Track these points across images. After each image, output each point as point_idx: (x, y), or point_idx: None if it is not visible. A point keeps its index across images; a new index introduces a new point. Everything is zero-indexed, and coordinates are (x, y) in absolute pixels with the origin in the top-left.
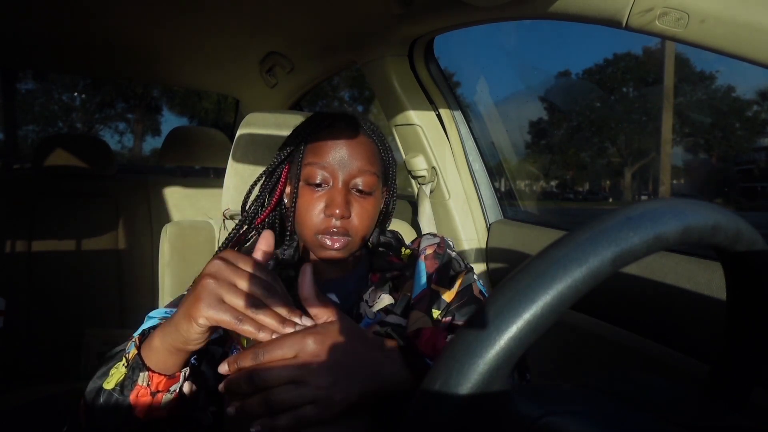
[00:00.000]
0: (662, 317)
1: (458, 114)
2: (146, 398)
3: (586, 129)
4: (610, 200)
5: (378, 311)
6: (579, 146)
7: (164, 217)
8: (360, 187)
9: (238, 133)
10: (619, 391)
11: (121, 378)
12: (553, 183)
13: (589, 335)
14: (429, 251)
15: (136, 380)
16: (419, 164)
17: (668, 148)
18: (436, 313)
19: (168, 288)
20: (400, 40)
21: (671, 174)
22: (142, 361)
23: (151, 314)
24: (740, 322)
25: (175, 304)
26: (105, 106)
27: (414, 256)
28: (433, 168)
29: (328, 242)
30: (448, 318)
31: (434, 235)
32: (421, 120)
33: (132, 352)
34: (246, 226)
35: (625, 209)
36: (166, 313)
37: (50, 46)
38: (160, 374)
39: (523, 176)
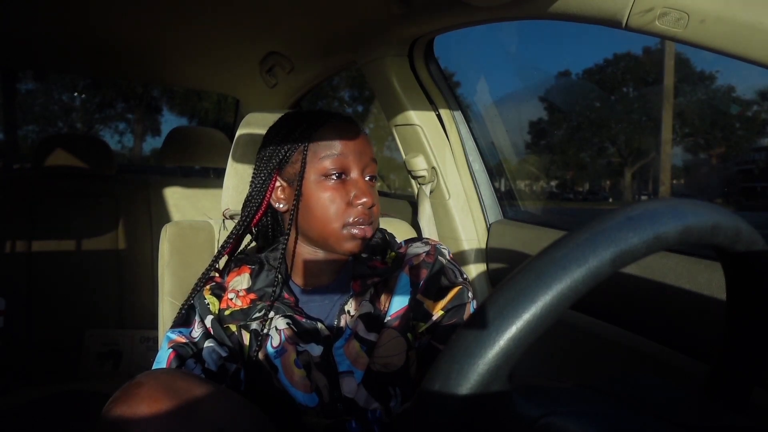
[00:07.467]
0: (662, 317)
1: (458, 114)
2: None
3: (586, 129)
4: (610, 200)
5: (356, 318)
6: (579, 146)
7: (164, 217)
8: (371, 174)
9: (238, 133)
10: (619, 391)
11: None
12: (553, 183)
13: (589, 335)
14: (416, 261)
15: None
16: (419, 164)
17: (668, 148)
18: (421, 326)
19: (168, 288)
20: (400, 40)
21: (671, 174)
22: None
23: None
24: (740, 322)
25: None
26: (105, 106)
27: (399, 260)
28: (433, 168)
29: (358, 232)
30: (428, 337)
31: (426, 243)
32: (421, 120)
33: None
34: (242, 229)
35: (625, 209)
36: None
37: (50, 46)
38: None
39: (523, 176)
